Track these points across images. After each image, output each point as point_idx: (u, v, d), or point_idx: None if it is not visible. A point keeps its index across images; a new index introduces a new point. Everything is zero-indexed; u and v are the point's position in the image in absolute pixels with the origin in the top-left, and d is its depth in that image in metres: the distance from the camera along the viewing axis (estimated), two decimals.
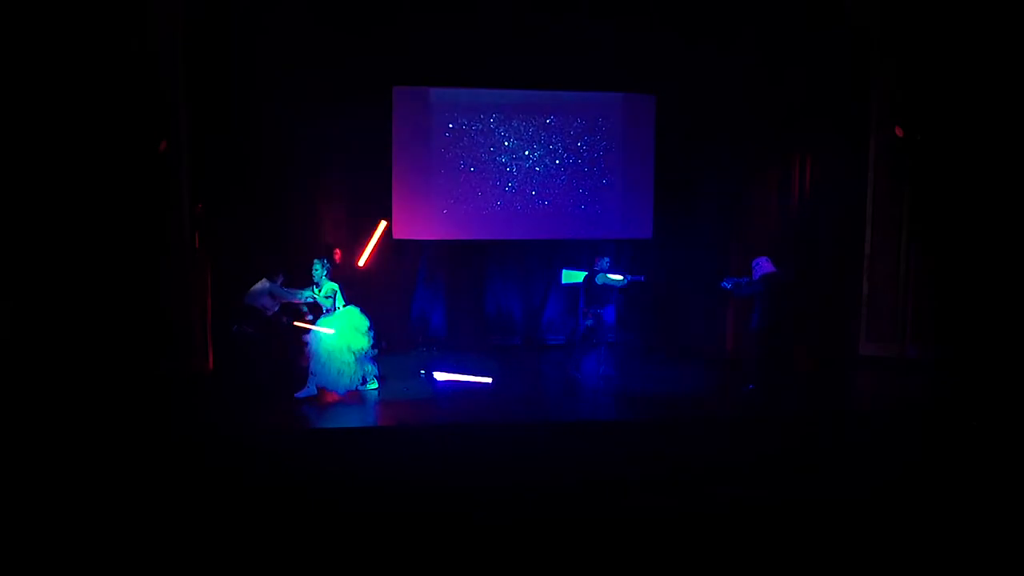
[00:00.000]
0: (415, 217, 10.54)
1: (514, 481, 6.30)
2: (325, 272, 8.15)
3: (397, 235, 10.48)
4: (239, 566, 4.96)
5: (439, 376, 9.03)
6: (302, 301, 8.29)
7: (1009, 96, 9.09)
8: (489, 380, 8.87)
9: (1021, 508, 5.81)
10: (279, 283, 8.49)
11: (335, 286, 8.17)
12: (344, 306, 8.20)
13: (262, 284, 8.45)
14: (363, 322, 8.27)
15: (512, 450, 6.99)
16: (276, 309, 8.53)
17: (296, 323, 8.41)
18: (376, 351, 8.47)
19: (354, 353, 8.15)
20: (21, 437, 6.64)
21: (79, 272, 7.97)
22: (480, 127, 10.63)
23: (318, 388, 8.10)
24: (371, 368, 8.43)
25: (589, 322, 9.05)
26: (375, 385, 8.49)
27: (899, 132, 9.53)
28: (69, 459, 6.29)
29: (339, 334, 8.10)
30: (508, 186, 10.74)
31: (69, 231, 7.93)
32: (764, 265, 8.42)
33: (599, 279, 8.96)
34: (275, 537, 5.26)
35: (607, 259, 9.12)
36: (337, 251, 9.59)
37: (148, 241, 8.37)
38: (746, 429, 7.51)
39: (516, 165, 10.73)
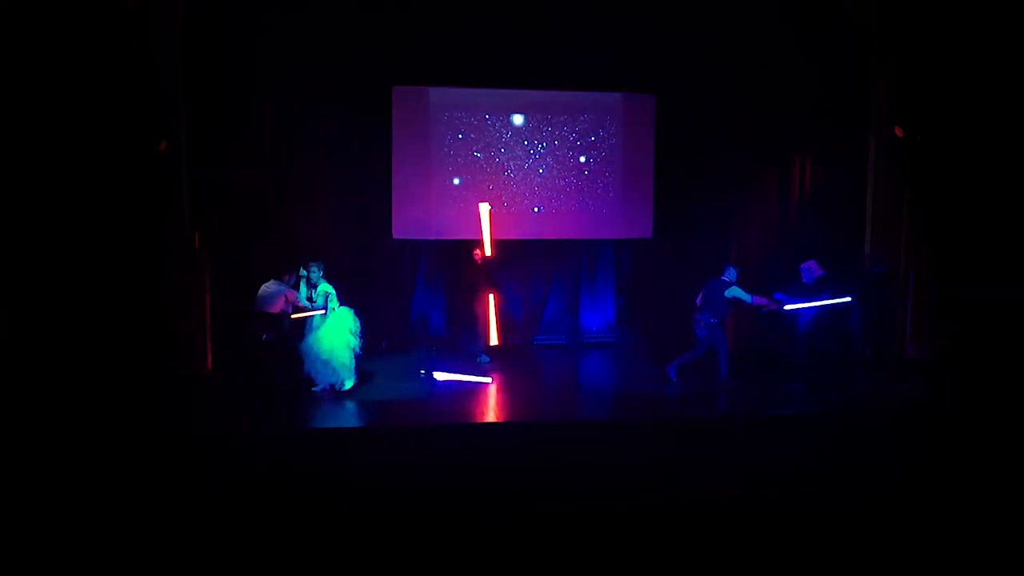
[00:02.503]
0: (415, 217, 10.53)
1: (514, 481, 6.30)
2: (321, 274, 8.30)
3: (397, 235, 10.48)
4: (239, 566, 4.96)
5: (439, 376, 9.04)
6: (302, 304, 8.34)
7: (1009, 96, 9.10)
8: (489, 380, 8.88)
9: (1021, 508, 5.81)
10: (291, 284, 8.45)
11: (330, 288, 8.30)
12: (336, 308, 8.31)
13: (276, 287, 8.37)
14: (355, 324, 8.41)
15: (512, 450, 6.99)
16: (290, 311, 8.52)
17: (294, 316, 8.45)
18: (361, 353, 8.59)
19: (351, 350, 8.32)
20: (21, 437, 6.64)
21: (79, 272, 7.96)
22: (480, 127, 10.63)
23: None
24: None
25: (702, 332, 8.62)
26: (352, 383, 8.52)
27: (899, 132, 9.53)
28: (69, 458, 6.29)
29: (337, 335, 8.25)
30: (508, 186, 10.73)
31: (69, 231, 7.93)
32: (815, 269, 8.44)
33: (729, 292, 8.52)
34: (275, 537, 5.26)
35: (735, 269, 8.69)
36: (477, 251, 9.86)
37: (148, 241, 8.36)
38: (746, 429, 7.52)
39: (515, 165, 10.72)
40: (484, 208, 9.16)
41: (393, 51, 9.86)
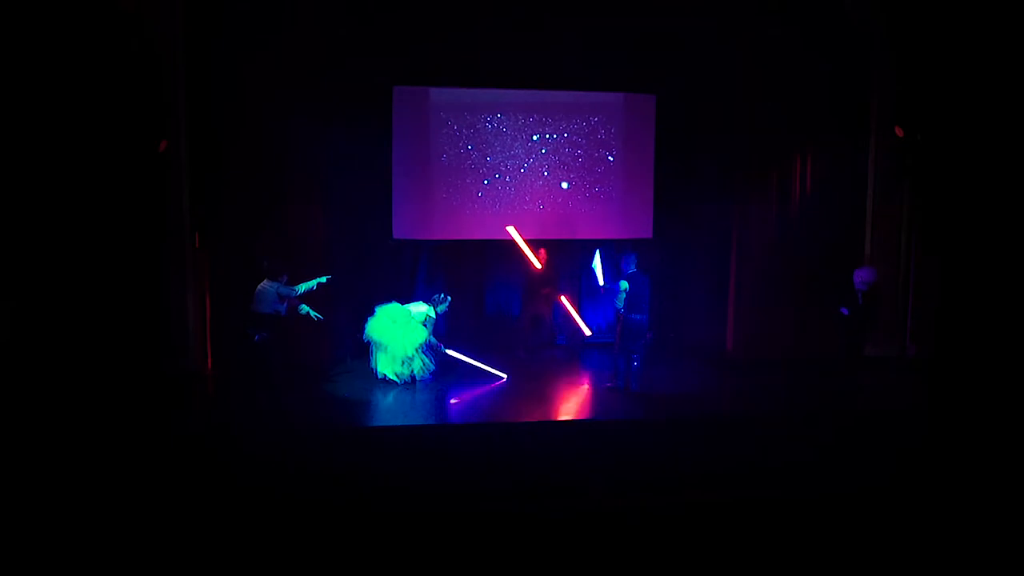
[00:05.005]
0: (415, 217, 10.54)
1: (516, 481, 6.30)
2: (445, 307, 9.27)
3: (397, 235, 10.48)
4: (239, 566, 4.96)
5: (451, 353, 9.17)
6: (297, 295, 8.32)
7: (1009, 96, 9.09)
8: (504, 377, 9.00)
9: (1021, 508, 5.81)
10: (283, 282, 8.44)
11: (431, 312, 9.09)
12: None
13: (269, 287, 8.35)
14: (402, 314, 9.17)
15: (514, 449, 6.99)
16: (284, 309, 8.50)
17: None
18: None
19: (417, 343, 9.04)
20: (21, 436, 6.64)
21: (79, 272, 7.96)
22: (480, 127, 10.62)
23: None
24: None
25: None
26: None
27: (899, 132, 9.54)
28: (69, 458, 6.29)
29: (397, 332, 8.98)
30: (508, 186, 10.73)
31: (69, 231, 7.92)
32: (869, 276, 8.52)
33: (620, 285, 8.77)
34: (275, 537, 5.26)
35: (632, 256, 8.91)
36: (542, 250, 10.29)
37: (148, 241, 8.36)
38: (746, 429, 7.52)
39: (515, 164, 10.72)
40: (511, 231, 9.86)
41: (393, 51, 9.85)
